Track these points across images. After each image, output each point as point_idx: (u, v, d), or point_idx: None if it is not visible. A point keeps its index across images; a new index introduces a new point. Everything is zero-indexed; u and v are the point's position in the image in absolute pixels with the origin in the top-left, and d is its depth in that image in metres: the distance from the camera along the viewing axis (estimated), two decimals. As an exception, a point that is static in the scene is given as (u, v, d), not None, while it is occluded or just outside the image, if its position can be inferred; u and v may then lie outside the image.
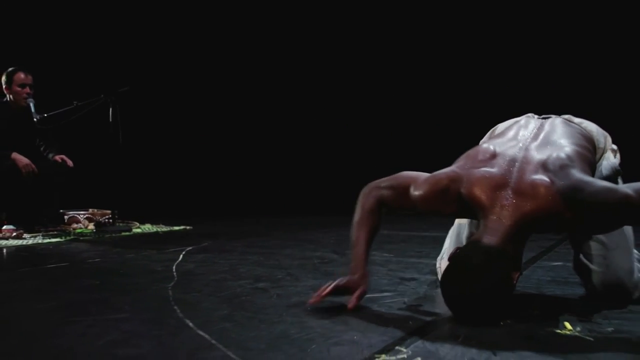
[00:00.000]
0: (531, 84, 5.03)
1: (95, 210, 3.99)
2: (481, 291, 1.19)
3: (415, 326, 1.23)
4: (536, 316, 1.34)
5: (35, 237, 3.29)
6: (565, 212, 1.24)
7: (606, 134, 1.68)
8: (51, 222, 3.71)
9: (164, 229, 3.87)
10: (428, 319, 1.30)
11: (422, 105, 5.74)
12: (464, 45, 5.51)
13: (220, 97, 6.06)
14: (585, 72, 4.93)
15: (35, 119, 3.50)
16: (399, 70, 5.86)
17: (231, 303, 1.47)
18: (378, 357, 1.01)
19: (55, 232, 3.51)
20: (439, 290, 1.46)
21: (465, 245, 1.35)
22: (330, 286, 1.40)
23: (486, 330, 1.24)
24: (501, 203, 1.28)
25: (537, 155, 1.38)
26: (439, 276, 1.74)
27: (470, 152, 1.50)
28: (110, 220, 3.75)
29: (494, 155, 1.41)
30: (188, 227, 3.94)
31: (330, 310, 1.39)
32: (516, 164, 1.35)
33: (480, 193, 1.31)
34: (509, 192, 1.29)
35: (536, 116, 1.75)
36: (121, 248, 2.80)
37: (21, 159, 3.41)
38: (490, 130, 1.82)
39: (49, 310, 1.44)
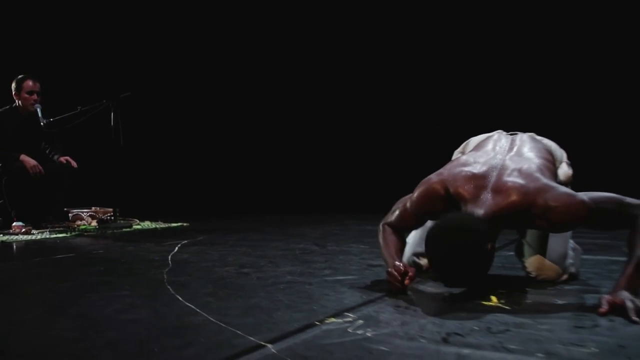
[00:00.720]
0: (500, 103, 5.28)
1: (98, 208, 4.23)
2: (463, 246, 1.37)
3: (366, 299, 1.49)
4: (473, 292, 1.59)
5: (42, 232, 3.55)
6: (531, 209, 1.47)
7: (562, 150, 1.92)
8: (57, 219, 3.96)
9: (163, 225, 4.12)
10: (378, 294, 1.55)
11: (410, 108, 5.97)
12: (445, 59, 5.75)
13: (217, 99, 6.28)
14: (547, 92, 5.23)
15: (42, 123, 3.75)
16: (388, 74, 6.08)
17: (216, 283, 1.73)
18: (328, 320, 1.27)
19: (61, 228, 3.76)
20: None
21: (452, 214, 1.53)
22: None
23: (425, 302, 1.50)
24: (480, 199, 1.51)
25: (512, 164, 1.60)
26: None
27: (454, 161, 1.72)
28: (112, 218, 3.99)
29: (475, 164, 1.63)
30: (185, 224, 4.18)
31: (299, 288, 1.64)
32: (494, 170, 1.58)
33: (463, 190, 1.54)
34: (488, 191, 1.52)
35: (504, 132, 1.97)
36: (122, 242, 3.05)
37: (29, 161, 3.66)
38: (464, 143, 2.03)
39: (64, 289, 1.71)
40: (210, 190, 6.09)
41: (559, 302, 1.49)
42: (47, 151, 4.02)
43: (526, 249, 1.82)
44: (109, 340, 1.13)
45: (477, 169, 1.59)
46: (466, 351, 1.04)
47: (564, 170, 1.82)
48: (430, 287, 1.67)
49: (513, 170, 1.57)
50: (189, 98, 6.10)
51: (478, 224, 1.44)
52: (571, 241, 1.87)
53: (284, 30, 6.25)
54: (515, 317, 1.29)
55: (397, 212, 1.73)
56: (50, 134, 3.88)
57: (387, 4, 5.97)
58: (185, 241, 2.96)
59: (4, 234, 3.42)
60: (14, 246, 2.94)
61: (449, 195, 1.57)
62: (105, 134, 3.86)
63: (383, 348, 1.05)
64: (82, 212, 4.11)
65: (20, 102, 3.86)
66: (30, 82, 3.81)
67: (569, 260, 1.80)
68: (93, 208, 4.21)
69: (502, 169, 1.58)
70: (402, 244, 1.76)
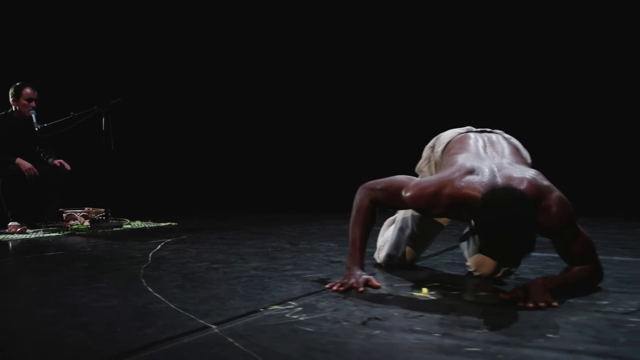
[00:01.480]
0: (462, 98, 5.52)
1: (91, 208, 4.44)
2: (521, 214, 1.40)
3: (312, 291, 1.70)
4: (410, 284, 1.80)
5: (37, 232, 3.76)
6: (539, 203, 1.54)
7: (525, 149, 2.05)
8: (51, 219, 4.17)
9: (152, 225, 4.33)
10: (325, 285, 1.76)
11: (384, 107, 6.15)
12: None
13: (203, 103, 6.48)
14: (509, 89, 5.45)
15: (36, 128, 3.96)
16: (365, 74, 6.27)
17: (186, 277, 1.94)
18: (271, 307, 1.48)
19: (54, 228, 3.97)
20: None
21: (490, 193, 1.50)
22: (337, 285, 1.69)
23: (363, 293, 1.70)
24: (518, 181, 1.56)
25: (509, 166, 1.67)
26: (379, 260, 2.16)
27: (453, 165, 1.70)
28: (104, 218, 4.20)
29: (472, 169, 1.64)
30: (174, 223, 4.39)
31: (258, 282, 1.85)
32: (496, 172, 1.62)
33: (472, 191, 1.56)
34: (525, 182, 1.57)
35: (473, 129, 2.05)
36: (110, 240, 3.26)
37: (24, 164, 3.87)
38: (435, 138, 2.08)
39: (50, 282, 1.92)
40: (199, 191, 6.29)
41: (481, 293, 1.70)
42: (42, 155, 4.22)
43: (470, 246, 2.01)
44: (81, 322, 1.35)
45: (477, 173, 1.61)
46: (376, 332, 1.24)
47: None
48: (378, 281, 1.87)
49: (512, 167, 1.65)
50: (176, 103, 6.30)
51: (525, 200, 1.45)
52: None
53: (272, 36, 6.45)
54: (433, 306, 1.50)
55: (389, 193, 1.74)
56: (44, 138, 4.09)
57: (354, 5, 6.16)
58: (169, 240, 3.17)
59: (0, 233, 3.64)
60: (10, 244, 3.15)
61: (452, 199, 1.58)
62: (97, 139, 4.07)
63: (308, 329, 1.26)
64: (76, 212, 4.32)
65: (17, 107, 4.06)
66: (29, 90, 4.01)
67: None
68: (86, 208, 4.41)
69: (502, 169, 1.64)
70: (372, 225, 1.81)
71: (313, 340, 1.18)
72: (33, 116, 3.98)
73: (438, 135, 2.06)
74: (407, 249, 2.10)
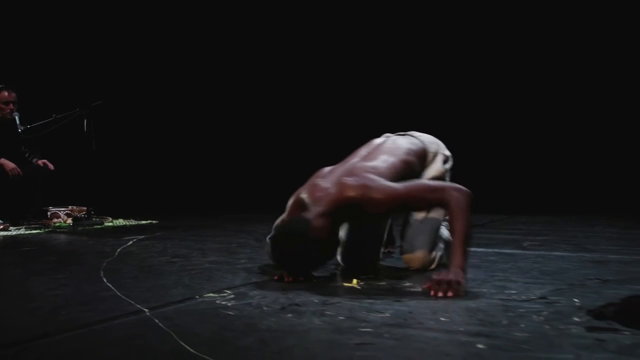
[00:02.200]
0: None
1: (74, 207, 4.59)
2: (286, 249, 1.77)
3: (252, 281, 1.86)
4: (342, 275, 1.96)
5: (19, 229, 3.92)
6: (360, 202, 1.79)
7: (438, 142, 2.23)
8: (34, 217, 4.33)
9: (133, 222, 4.49)
10: (266, 278, 1.92)
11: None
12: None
13: (186, 104, 6.65)
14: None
15: (19, 130, 4.13)
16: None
17: (142, 270, 2.10)
18: (207, 295, 1.63)
19: (37, 226, 4.13)
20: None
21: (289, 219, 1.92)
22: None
23: (296, 283, 1.85)
24: (322, 200, 1.82)
25: (360, 165, 1.93)
26: None
27: (318, 172, 2.04)
28: (86, 216, 4.36)
29: (328, 172, 1.98)
30: (154, 221, 4.54)
31: (207, 273, 2.01)
32: (340, 173, 1.91)
33: (312, 197, 1.87)
34: (328, 192, 1.84)
35: (392, 135, 2.28)
36: (87, 237, 3.43)
37: (8, 164, 4.04)
38: (372, 140, 2.28)
39: (16, 274, 2.09)
40: (184, 190, 6.45)
41: (406, 283, 1.85)
42: (27, 155, 4.38)
43: (402, 243, 2.17)
44: (31, 308, 1.51)
45: (325, 176, 1.93)
46: (289, 315, 1.40)
47: (437, 166, 2.15)
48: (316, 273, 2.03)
49: (356, 170, 1.89)
50: (157, 105, 6.47)
51: (296, 227, 1.77)
52: (445, 233, 2.21)
53: (239, 34, 6.59)
54: (354, 295, 1.66)
55: (293, 200, 2.02)
56: (28, 139, 4.25)
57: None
58: (142, 236, 3.33)
59: (-16, 231, 3.81)
60: (-9, 241, 3.32)
61: (300, 200, 1.92)
62: (79, 140, 4.24)
63: (230, 312, 1.42)
64: (59, 211, 4.48)
65: (-3, 110, 4.23)
66: (5, 93, 4.18)
67: (438, 252, 2.15)
68: (70, 207, 4.57)
69: (347, 170, 1.91)
70: None
71: (229, 322, 1.33)
72: (16, 118, 4.14)
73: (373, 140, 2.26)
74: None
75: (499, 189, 5.43)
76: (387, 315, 1.41)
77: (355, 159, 2.04)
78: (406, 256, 2.11)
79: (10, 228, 3.92)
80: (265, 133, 6.75)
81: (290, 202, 2.00)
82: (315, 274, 1.92)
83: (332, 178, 1.90)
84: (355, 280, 1.86)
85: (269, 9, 6.47)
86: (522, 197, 5.37)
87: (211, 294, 1.64)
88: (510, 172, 5.51)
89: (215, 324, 1.31)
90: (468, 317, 1.39)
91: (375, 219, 2.06)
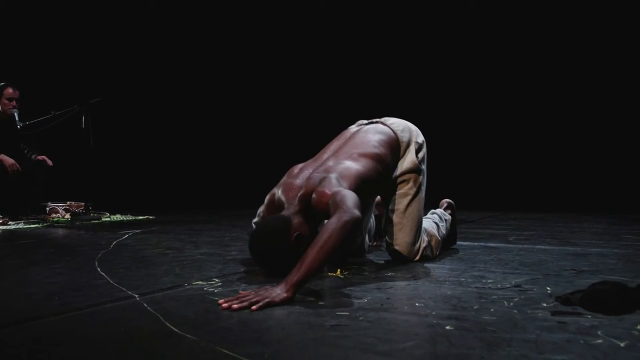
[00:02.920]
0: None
1: (73, 202, 4.67)
2: (261, 249, 1.75)
3: (239, 271, 1.93)
4: (326, 266, 2.03)
5: (18, 223, 4.00)
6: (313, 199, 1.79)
7: (411, 129, 2.21)
8: (33, 212, 4.40)
9: (130, 218, 4.57)
10: (254, 269, 1.99)
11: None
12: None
13: (185, 101, 6.72)
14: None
15: (18, 126, 4.20)
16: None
17: (135, 261, 2.17)
18: (195, 282, 1.71)
19: (35, 220, 4.21)
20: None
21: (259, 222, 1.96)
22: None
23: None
24: (295, 198, 1.84)
25: (330, 161, 1.96)
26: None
27: (292, 167, 2.05)
28: (84, 211, 4.44)
29: (300, 170, 1.99)
30: (151, 217, 4.62)
31: (198, 264, 2.08)
32: (311, 170, 1.94)
33: (285, 197, 1.90)
34: (299, 189, 1.86)
35: (364, 122, 2.28)
36: (84, 231, 3.50)
37: (7, 159, 4.11)
38: (345, 130, 2.31)
39: (13, 263, 2.15)
40: (182, 186, 6.53)
41: (389, 273, 1.92)
42: (26, 151, 4.46)
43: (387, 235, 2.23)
44: (27, 293, 1.58)
45: (297, 176, 1.94)
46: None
47: (410, 158, 2.15)
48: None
49: (326, 164, 1.93)
50: (153, 103, 6.54)
51: (277, 225, 1.74)
52: (428, 227, 2.27)
53: (237, 33, 6.66)
54: (336, 283, 1.73)
55: (267, 199, 2.05)
56: (27, 135, 4.33)
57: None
58: (139, 230, 3.40)
59: (-17, 225, 3.88)
60: (-10, 234, 3.39)
61: (277, 201, 1.94)
62: (77, 136, 4.32)
63: (215, 298, 1.49)
64: (58, 206, 4.55)
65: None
66: (10, 90, 4.26)
67: (422, 244, 2.21)
68: (68, 202, 4.65)
69: (319, 165, 1.95)
70: None
71: (213, 306, 1.40)
72: (16, 115, 4.22)
73: (348, 128, 2.29)
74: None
75: (493, 186, 5.51)
76: (365, 301, 1.48)
77: (326, 154, 2.07)
78: (390, 248, 2.17)
79: (9, 223, 4.00)
80: (259, 130, 6.83)
81: (266, 200, 2.03)
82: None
83: (303, 175, 1.93)
84: (338, 270, 1.93)
85: (261, 7, 6.55)
86: (515, 195, 5.44)
87: (199, 282, 1.71)
88: (504, 170, 5.58)
89: (200, 308, 1.38)
90: (442, 302, 1.45)
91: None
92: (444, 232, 2.37)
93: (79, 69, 5.87)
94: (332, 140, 2.19)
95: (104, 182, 4.90)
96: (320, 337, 1.14)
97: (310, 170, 1.95)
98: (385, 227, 2.20)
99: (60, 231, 3.54)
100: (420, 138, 2.22)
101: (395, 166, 2.14)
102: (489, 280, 1.75)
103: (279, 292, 1.43)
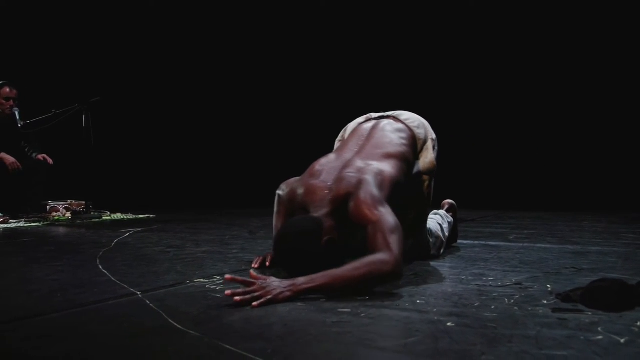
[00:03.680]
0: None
1: (73, 201, 4.67)
2: (291, 250, 1.61)
3: (241, 269, 1.93)
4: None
5: (18, 222, 4.00)
6: (348, 202, 1.66)
7: (424, 124, 2.13)
8: (34, 211, 4.40)
9: (131, 216, 4.57)
10: (250, 267, 1.99)
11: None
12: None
13: (185, 101, 6.73)
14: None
15: (19, 125, 4.20)
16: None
17: (137, 259, 2.18)
18: (197, 280, 1.71)
19: (36, 219, 4.21)
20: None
21: (288, 221, 1.77)
22: (259, 261, 1.95)
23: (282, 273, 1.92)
24: (323, 200, 1.71)
25: (359, 159, 1.83)
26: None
27: (310, 167, 1.89)
28: (85, 210, 4.44)
29: (323, 169, 1.82)
30: (152, 216, 4.62)
31: (200, 262, 2.09)
32: (338, 169, 1.79)
33: (308, 199, 1.75)
34: (329, 190, 1.72)
35: (374, 115, 2.17)
36: (85, 229, 3.50)
37: (8, 158, 4.12)
38: (343, 130, 2.22)
39: (15, 261, 2.16)
40: (183, 185, 6.53)
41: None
42: (26, 150, 4.47)
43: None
44: (29, 290, 1.58)
45: (321, 174, 1.79)
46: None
47: (429, 158, 2.06)
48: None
49: (354, 164, 1.79)
50: (154, 102, 6.55)
51: (308, 226, 1.63)
52: (433, 228, 2.28)
53: (237, 32, 6.66)
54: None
55: (286, 194, 1.92)
56: (28, 134, 4.33)
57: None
58: (139, 229, 3.40)
59: (-16, 223, 3.88)
60: (-9, 233, 3.40)
61: (300, 202, 1.78)
62: (78, 135, 4.32)
63: (217, 295, 1.50)
64: (59, 205, 4.55)
65: (-3, 105, 4.31)
66: (7, 89, 4.26)
67: (429, 245, 2.20)
68: (69, 201, 4.65)
69: (346, 164, 1.80)
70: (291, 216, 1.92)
71: (215, 303, 1.41)
72: (16, 113, 4.22)
73: (345, 127, 2.21)
74: None
75: (494, 185, 5.52)
76: (366, 297, 1.48)
77: (348, 153, 1.92)
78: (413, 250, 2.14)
79: (10, 221, 4.00)
80: (259, 129, 6.83)
81: (285, 194, 1.90)
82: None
83: (329, 175, 1.77)
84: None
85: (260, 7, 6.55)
86: (516, 194, 5.45)
87: (201, 280, 1.72)
88: (505, 170, 5.59)
89: (202, 305, 1.39)
90: (443, 300, 1.46)
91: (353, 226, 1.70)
92: (447, 234, 2.38)
93: (80, 68, 5.88)
94: (350, 137, 2.06)
95: (104, 181, 4.90)
96: (323, 333, 1.15)
97: (337, 171, 1.79)
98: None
99: (61, 230, 3.54)
100: (433, 134, 2.15)
101: (414, 164, 2.05)
102: (489, 278, 1.75)
103: (283, 289, 1.40)
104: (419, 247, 2.14)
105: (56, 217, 4.30)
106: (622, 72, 5.21)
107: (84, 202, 4.51)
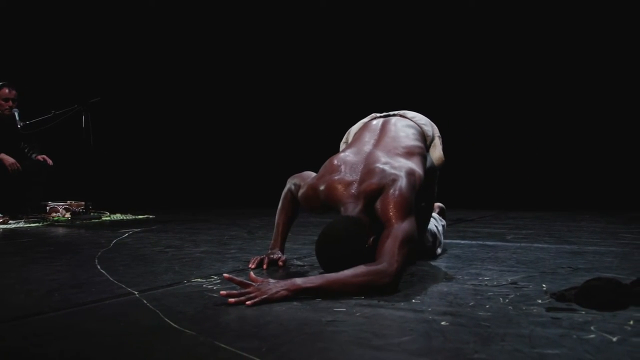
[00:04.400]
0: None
1: (73, 201, 4.68)
2: (342, 249, 1.56)
3: (238, 268, 1.94)
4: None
5: (18, 222, 4.02)
6: (379, 195, 1.64)
7: (430, 122, 2.12)
8: (33, 211, 4.42)
9: (130, 217, 4.58)
10: (247, 267, 2.00)
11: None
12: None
13: (180, 101, 6.75)
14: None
15: (19, 126, 4.22)
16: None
17: (135, 259, 2.19)
18: (194, 280, 1.72)
19: (35, 219, 4.23)
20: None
21: (333, 220, 1.65)
22: (256, 261, 1.94)
23: (277, 273, 1.94)
24: (352, 196, 1.68)
25: (380, 152, 1.80)
26: None
27: (327, 163, 1.83)
28: (84, 210, 4.45)
29: (344, 163, 1.78)
30: (151, 216, 4.63)
31: (197, 262, 2.10)
32: (361, 163, 1.76)
33: (335, 197, 1.71)
34: (357, 186, 1.69)
35: (378, 114, 2.15)
36: (84, 230, 3.51)
37: (7, 159, 4.13)
38: (347, 132, 2.20)
39: (15, 261, 2.17)
40: (182, 186, 6.55)
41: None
42: (26, 150, 4.48)
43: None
44: (28, 289, 1.59)
45: (344, 171, 1.74)
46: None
47: (438, 154, 2.06)
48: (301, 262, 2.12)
49: (379, 157, 1.75)
50: (153, 102, 6.56)
51: (354, 229, 1.57)
52: (432, 227, 2.29)
53: (236, 33, 6.67)
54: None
55: (297, 188, 1.89)
56: (28, 135, 4.35)
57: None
58: (139, 229, 3.42)
59: (-16, 224, 3.90)
60: (-9, 233, 3.41)
61: (323, 201, 1.75)
62: (77, 135, 4.33)
63: (214, 295, 1.51)
64: (58, 205, 4.57)
65: (-4, 106, 4.33)
66: (6, 90, 4.28)
67: (427, 244, 2.20)
68: (68, 201, 4.66)
69: (369, 157, 1.77)
70: (295, 213, 2.02)
71: (212, 302, 1.42)
72: (16, 114, 4.24)
73: (348, 130, 2.20)
74: None
75: (492, 185, 5.53)
76: (362, 297, 1.49)
77: (367, 146, 1.87)
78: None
79: (10, 221, 4.01)
80: (259, 129, 6.83)
81: (304, 194, 1.82)
82: (300, 262, 2.01)
83: (353, 169, 1.74)
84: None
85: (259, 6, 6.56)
86: (514, 194, 5.46)
87: (199, 279, 1.73)
88: (503, 170, 5.60)
89: (199, 304, 1.40)
90: (438, 299, 1.47)
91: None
92: (442, 234, 2.38)
93: (79, 69, 5.90)
94: (362, 132, 2.02)
95: (104, 182, 4.92)
96: (317, 332, 1.16)
97: (362, 164, 1.75)
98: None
99: (61, 230, 3.55)
100: (438, 132, 2.14)
101: (428, 161, 2.01)
102: (485, 278, 1.76)
103: (279, 288, 1.41)
104: (421, 245, 2.15)
105: (56, 218, 4.31)
106: (620, 72, 5.22)
107: (83, 203, 4.52)
